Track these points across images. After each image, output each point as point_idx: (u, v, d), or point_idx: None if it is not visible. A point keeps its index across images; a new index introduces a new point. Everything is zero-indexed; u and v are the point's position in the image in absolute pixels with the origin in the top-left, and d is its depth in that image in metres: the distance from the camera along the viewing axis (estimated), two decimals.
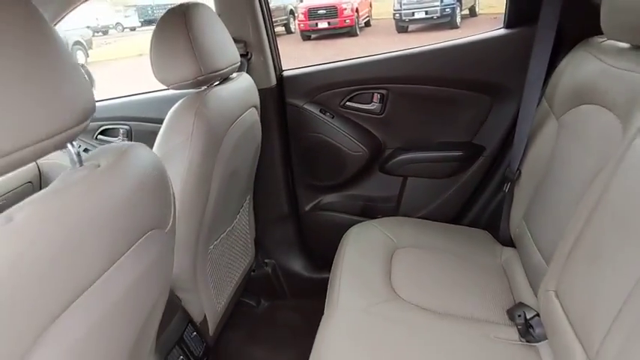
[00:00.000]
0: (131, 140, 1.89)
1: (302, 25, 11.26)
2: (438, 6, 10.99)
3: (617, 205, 0.91)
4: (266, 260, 1.85)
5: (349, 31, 11.85)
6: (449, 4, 11.00)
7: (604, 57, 1.17)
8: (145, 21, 14.99)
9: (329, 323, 1.17)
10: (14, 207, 0.49)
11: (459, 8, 11.04)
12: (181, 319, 1.14)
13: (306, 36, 11.06)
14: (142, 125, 1.82)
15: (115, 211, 0.59)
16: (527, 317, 1.17)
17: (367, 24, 13.25)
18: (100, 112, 1.70)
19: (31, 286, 0.46)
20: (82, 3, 1.56)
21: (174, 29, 1.11)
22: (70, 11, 1.55)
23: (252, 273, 1.76)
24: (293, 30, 12.08)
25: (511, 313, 1.22)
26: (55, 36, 0.54)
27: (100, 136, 1.90)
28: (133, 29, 15.00)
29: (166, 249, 0.73)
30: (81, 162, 0.60)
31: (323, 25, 11.29)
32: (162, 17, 1.14)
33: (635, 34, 1.04)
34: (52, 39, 0.54)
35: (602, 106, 1.11)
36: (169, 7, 1.17)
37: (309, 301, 1.49)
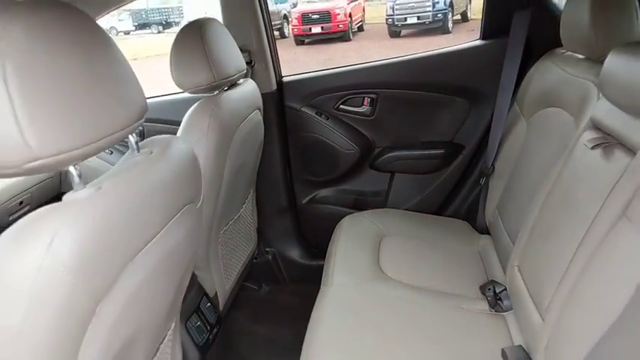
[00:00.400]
0: (143, 139, 2.05)
1: (296, 30, 11.21)
2: (430, 11, 11.05)
3: (566, 188, 1.10)
4: (267, 249, 2.02)
5: (342, 36, 11.89)
6: (441, 10, 11.08)
7: (564, 66, 1.36)
8: (138, 25, 15.06)
9: (324, 297, 1.35)
10: (99, 179, 0.67)
11: (450, 14, 11.13)
12: (197, 292, 1.31)
13: (299, 40, 11.03)
14: (154, 126, 1.98)
15: (164, 186, 0.76)
16: (497, 291, 1.35)
17: (360, 29, 13.32)
18: None
19: (114, 235, 0.63)
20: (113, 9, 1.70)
21: (192, 41, 1.28)
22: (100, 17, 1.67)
23: (254, 260, 1.92)
24: (287, 34, 12.14)
25: (483, 289, 1.39)
26: (116, 46, 0.71)
27: None
28: (127, 33, 15.08)
29: (196, 222, 0.90)
30: (138, 149, 0.78)
31: (316, 29, 11.23)
32: (181, 30, 1.31)
33: (586, 48, 1.23)
34: (116, 50, 0.71)
35: (561, 108, 1.30)
36: (163, 10, 1.34)
37: (306, 285, 1.64)
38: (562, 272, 0.99)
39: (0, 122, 0.54)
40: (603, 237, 0.89)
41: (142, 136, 2.04)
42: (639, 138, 0.88)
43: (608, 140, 0.97)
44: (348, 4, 12.28)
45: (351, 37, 12.22)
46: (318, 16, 11.45)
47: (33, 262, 0.53)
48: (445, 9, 11.08)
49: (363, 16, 13.77)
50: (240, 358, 1.65)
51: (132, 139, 0.76)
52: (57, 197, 1.89)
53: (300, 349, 1.17)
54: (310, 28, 11.29)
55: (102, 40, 0.68)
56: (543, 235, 1.15)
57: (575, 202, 1.04)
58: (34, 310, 0.52)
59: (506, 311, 1.31)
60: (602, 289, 0.86)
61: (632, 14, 1.12)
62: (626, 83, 0.90)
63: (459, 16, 11.52)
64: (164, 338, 0.97)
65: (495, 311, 1.32)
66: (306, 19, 11.37)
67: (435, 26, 10.88)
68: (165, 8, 14.17)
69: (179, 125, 1.31)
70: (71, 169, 0.63)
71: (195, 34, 1.28)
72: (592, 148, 0.99)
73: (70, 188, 1.81)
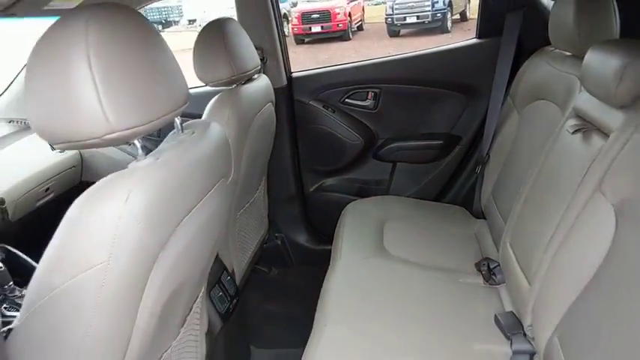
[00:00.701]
0: (160, 132, 2.18)
1: (295, 29, 11.28)
2: (429, 11, 11.12)
3: (551, 170, 1.23)
4: (276, 234, 2.15)
5: (342, 35, 11.96)
6: (440, 9, 11.15)
7: (552, 62, 1.50)
8: None
9: (333, 271, 1.48)
10: (154, 152, 0.80)
11: (449, 13, 11.22)
12: (219, 266, 1.44)
13: (299, 40, 11.07)
14: None
15: (204, 161, 0.89)
16: (491, 267, 1.48)
17: (360, 28, 13.39)
18: None
19: (170, 197, 0.76)
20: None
21: (214, 39, 1.40)
22: None
23: (264, 245, 2.05)
24: (287, 34, 12.23)
25: (478, 265, 1.53)
26: (164, 41, 0.84)
27: None
28: None
29: (226, 196, 1.03)
30: (182, 130, 0.91)
31: (316, 29, 11.26)
32: (203, 29, 1.43)
33: (571, 46, 1.36)
34: (165, 44, 0.83)
35: (549, 100, 1.44)
36: (162, 9, 1.45)
37: (313, 268, 1.76)
38: (546, 242, 1.13)
39: (87, 102, 0.67)
40: (581, 209, 1.02)
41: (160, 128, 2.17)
42: (612, 123, 1.01)
43: (586, 126, 1.11)
44: (348, 3, 12.35)
45: (351, 37, 12.28)
46: (318, 16, 11.45)
47: (114, 214, 0.66)
48: (444, 9, 11.12)
49: (363, 15, 13.84)
50: (255, 332, 1.78)
51: (177, 120, 0.89)
52: (78, 185, 2.02)
53: (310, 323, 1.28)
54: (310, 28, 11.33)
55: (155, 36, 0.81)
56: (531, 212, 1.29)
57: (558, 181, 1.17)
58: (115, 250, 0.66)
59: (499, 284, 1.44)
60: (579, 254, 1.00)
61: (611, 16, 1.26)
62: (601, 76, 1.03)
63: (457, 16, 11.54)
64: (196, 299, 1.11)
65: (489, 284, 1.45)
66: (306, 18, 11.42)
67: (434, 26, 10.92)
68: (164, 7, 14.28)
69: (196, 117, 1.44)
70: (136, 141, 0.76)
71: (216, 33, 1.41)
72: (573, 133, 1.13)
73: (91, 177, 2.00)
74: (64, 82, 0.67)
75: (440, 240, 1.69)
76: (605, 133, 1.03)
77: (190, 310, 1.09)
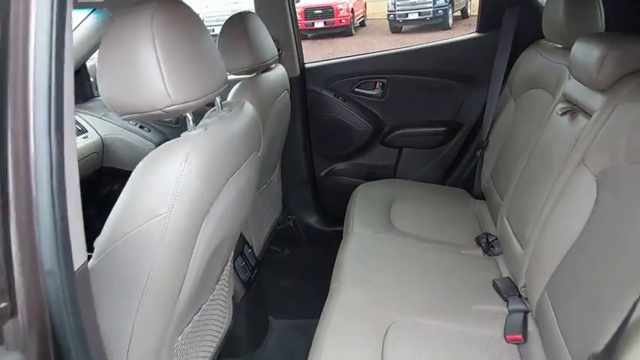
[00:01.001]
0: (179, 118, 2.32)
1: (299, 25, 11.40)
2: (430, 7, 11.21)
3: (542, 148, 1.38)
4: (289, 216, 2.28)
5: (344, 31, 12.04)
6: (441, 6, 11.24)
7: (546, 54, 1.63)
8: None
9: (346, 243, 1.63)
10: (201, 123, 0.94)
11: (451, 10, 11.33)
12: (241, 239, 1.58)
13: (302, 35, 11.20)
14: None
15: (241, 134, 1.03)
16: (489, 240, 1.63)
17: (362, 24, 13.47)
18: None
19: (217, 161, 0.90)
20: None
21: (236, 30, 1.53)
22: None
23: (278, 227, 2.19)
24: None
25: (478, 239, 1.68)
26: (207, 30, 0.98)
27: None
28: None
29: (257, 168, 1.17)
30: (222, 107, 1.05)
31: (319, 24, 11.34)
32: (227, 21, 1.56)
33: (561, 39, 1.50)
34: (208, 33, 0.97)
35: (543, 89, 1.58)
36: None
37: (323, 248, 1.87)
38: (537, 212, 1.27)
39: (152, 79, 0.81)
40: (567, 181, 1.17)
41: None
42: (594, 105, 1.16)
43: (573, 108, 1.25)
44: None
45: (353, 33, 12.35)
46: (320, 11, 11.51)
47: (175, 172, 0.81)
48: (445, 5, 11.19)
49: (365, 11, 13.91)
50: (272, 305, 1.92)
51: (218, 99, 1.03)
52: (99, 170, 2.15)
53: (323, 297, 1.39)
54: (313, 23, 11.41)
55: (201, 26, 0.95)
56: (525, 188, 1.43)
57: (548, 158, 1.32)
58: (176, 203, 0.80)
59: (497, 255, 1.59)
60: (565, 220, 1.14)
61: (596, 11, 1.39)
62: (585, 64, 1.17)
63: (459, 13, 11.62)
64: (227, 262, 1.25)
65: (488, 255, 1.60)
66: (309, 13, 11.49)
67: (436, 22, 11.00)
68: None
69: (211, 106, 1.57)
70: (188, 114, 0.90)
71: (239, 25, 1.54)
72: (561, 114, 1.27)
73: (112, 162, 2.15)
74: (133, 62, 0.81)
75: (443, 218, 1.84)
76: (588, 114, 1.18)
77: (222, 270, 1.23)
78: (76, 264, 0.63)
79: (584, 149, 1.13)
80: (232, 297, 1.40)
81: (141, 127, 2.29)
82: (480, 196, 1.96)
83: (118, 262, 0.82)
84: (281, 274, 2.13)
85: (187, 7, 0.91)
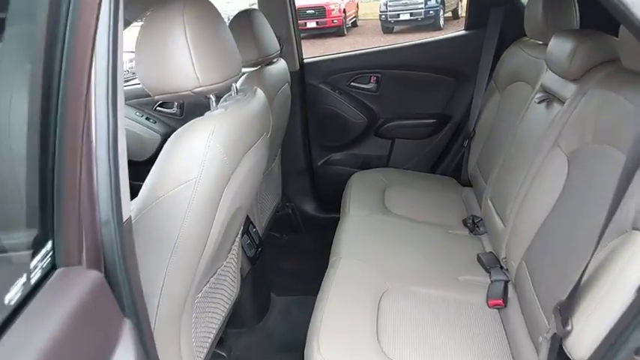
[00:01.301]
0: (183, 112, 2.44)
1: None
2: (422, 8, 11.35)
3: (522, 135, 1.52)
4: (287, 204, 2.41)
5: (337, 31, 12.14)
6: (433, 7, 11.38)
7: (528, 50, 1.78)
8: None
9: (343, 223, 1.76)
10: (221, 104, 1.07)
11: (442, 11, 11.51)
12: (247, 219, 1.71)
13: None
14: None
15: (255, 116, 1.16)
16: (475, 221, 1.77)
17: (354, 24, 13.57)
18: None
19: (237, 136, 1.03)
20: None
21: (243, 26, 1.66)
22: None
23: (277, 213, 2.31)
24: None
25: (464, 221, 1.82)
26: (225, 23, 1.10)
27: (158, 108, 2.44)
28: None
29: (266, 149, 1.30)
30: (237, 92, 1.18)
31: (311, 24, 11.39)
32: (234, 18, 1.69)
33: (540, 36, 1.65)
34: (226, 25, 1.10)
35: (524, 82, 1.72)
36: None
37: (320, 234, 1.99)
38: (517, 191, 1.41)
39: (183, 64, 0.93)
40: (542, 161, 1.31)
41: (181, 108, 2.43)
42: (567, 93, 1.30)
43: (549, 97, 1.39)
44: (342, 0, 12.57)
45: (346, 33, 12.47)
46: (313, 11, 11.56)
47: (204, 142, 0.93)
48: (437, 6, 11.31)
49: (357, 12, 14.02)
50: (273, 283, 2.04)
51: (234, 85, 1.16)
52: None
53: (322, 277, 1.47)
54: (305, 23, 11.43)
55: (221, 19, 1.07)
56: (506, 170, 1.57)
57: (526, 142, 1.46)
58: (204, 169, 0.92)
59: (482, 234, 1.73)
60: (540, 196, 1.28)
61: (572, 10, 1.54)
62: (559, 56, 1.32)
63: (450, 14, 11.74)
64: (237, 234, 1.38)
65: (474, 234, 1.74)
66: (301, 13, 11.54)
67: (427, 23, 11.12)
68: None
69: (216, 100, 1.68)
70: (211, 95, 1.03)
71: (245, 21, 1.66)
72: (539, 102, 1.41)
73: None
74: (167, 50, 0.93)
75: (432, 203, 1.97)
76: (561, 101, 1.32)
77: (234, 240, 1.36)
78: (124, 217, 0.76)
79: (558, 132, 1.27)
80: (240, 270, 1.53)
81: (147, 118, 2.41)
82: (468, 184, 2.10)
83: (152, 222, 0.94)
84: (281, 257, 2.25)
85: (211, 4, 1.04)
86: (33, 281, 0.52)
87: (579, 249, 1.02)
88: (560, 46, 1.32)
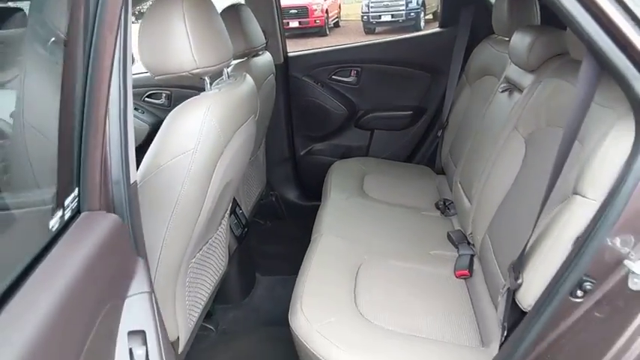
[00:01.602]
0: (171, 102, 2.53)
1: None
2: (403, 10, 11.55)
3: (487, 122, 1.66)
4: (271, 192, 2.52)
5: (319, 31, 12.24)
6: (414, 9, 11.58)
7: (496, 46, 1.93)
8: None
9: (325, 205, 1.88)
10: (215, 86, 1.18)
11: (422, 13, 11.74)
12: (234, 201, 1.82)
13: None
14: (180, 91, 2.46)
15: (244, 97, 1.27)
16: (446, 204, 1.91)
17: (336, 25, 13.69)
18: (146, 80, 2.31)
19: (230, 113, 1.14)
20: None
21: (232, 19, 1.75)
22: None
23: (261, 201, 2.42)
24: None
25: (437, 204, 1.96)
26: (218, 13, 1.21)
27: (146, 99, 2.52)
28: None
29: (253, 130, 1.41)
30: (229, 76, 1.29)
31: (294, 24, 11.47)
32: (223, 11, 1.79)
33: (506, 33, 1.79)
34: (217, 12, 1.20)
35: (492, 75, 1.86)
36: None
37: (301, 220, 2.07)
38: (481, 172, 1.55)
39: (183, 48, 1.04)
40: (503, 144, 1.45)
41: (169, 99, 2.52)
42: (525, 82, 1.44)
43: (510, 87, 1.54)
44: (325, 0, 12.69)
45: (328, 33, 12.60)
46: (296, 11, 11.63)
47: (200, 117, 1.04)
48: (418, 8, 11.52)
49: (339, 12, 14.15)
50: (257, 266, 2.15)
51: (226, 70, 1.27)
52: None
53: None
54: (288, 22, 11.49)
55: (215, 9, 1.18)
56: (473, 155, 1.72)
57: (491, 128, 1.60)
58: (201, 141, 1.03)
59: (452, 216, 1.87)
60: (501, 175, 1.42)
61: (533, 8, 1.68)
62: (519, 50, 1.46)
63: (430, 16, 11.92)
64: (227, 209, 1.49)
65: (445, 216, 1.88)
66: (284, 13, 11.56)
67: (408, 24, 11.29)
68: None
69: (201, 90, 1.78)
70: (206, 77, 1.14)
71: (234, 14, 1.77)
72: (502, 92, 1.56)
73: None
74: (168, 34, 1.04)
75: (408, 189, 2.11)
76: (521, 90, 1.46)
77: (223, 217, 1.47)
78: (131, 180, 0.86)
79: (517, 118, 1.41)
80: (228, 247, 1.63)
81: (135, 108, 2.49)
82: (441, 172, 2.24)
83: (154, 188, 1.04)
84: (265, 242, 2.36)
85: None
86: (66, 217, 0.62)
87: (531, 217, 1.16)
88: (520, 41, 1.46)
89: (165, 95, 2.50)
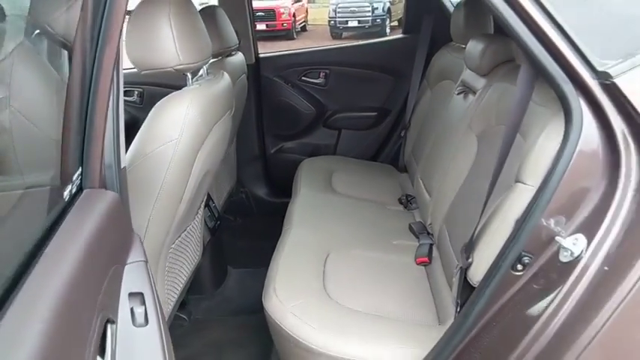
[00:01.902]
0: (143, 100, 2.57)
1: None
2: (369, 16, 11.81)
3: (445, 121, 1.81)
4: (241, 189, 2.60)
5: (286, 35, 12.37)
6: (379, 15, 11.87)
7: (454, 53, 2.08)
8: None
9: (295, 200, 1.98)
10: (196, 82, 1.26)
11: (388, 20, 12.05)
12: (207, 195, 1.89)
13: None
14: (152, 89, 2.50)
15: (222, 93, 1.36)
16: (409, 199, 2.05)
17: (303, 29, 13.81)
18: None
19: (209, 108, 1.22)
20: None
21: (207, 20, 1.82)
22: None
23: (231, 198, 2.49)
24: None
25: (400, 199, 2.09)
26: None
27: None
28: None
29: (229, 125, 1.50)
30: (207, 73, 1.37)
31: (261, 26, 11.46)
32: (200, 12, 1.87)
33: (462, 40, 1.94)
34: (197, 12, 1.29)
35: (450, 80, 2.01)
36: None
37: (271, 217, 2.19)
38: (440, 167, 1.69)
39: (168, 45, 1.12)
40: (459, 141, 1.59)
41: (141, 96, 2.57)
42: (478, 86, 1.59)
43: (465, 89, 1.68)
44: (292, 4, 12.80)
45: (295, 37, 12.72)
46: (263, 14, 11.67)
47: (183, 110, 1.12)
48: (383, 15, 11.80)
49: (307, 16, 14.29)
50: (229, 259, 2.23)
51: (205, 67, 1.35)
52: None
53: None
54: (255, 25, 11.70)
55: (196, 10, 1.27)
56: (433, 153, 1.86)
57: (448, 128, 1.75)
58: (184, 132, 1.11)
59: (414, 209, 2.00)
60: (457, 169, 1.56)
61: (487, 18, 1.84)
62: (473, 56, 1.61)
63: (396, 23, 12.20)
64: (204, 199, 1.57)
65: (407, 210, 2.01)
66: None
67: (374, 30, 11.54)
68: None
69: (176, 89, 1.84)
70: (188, 73, 1.22)
71: (209, 15, 1.85)
72: (457, 94, 1.70)
73: None
74: (154, 32, 1.12)
75: (373, 185, 2.24)
76: (474, 93, 1.61)
77: (200, 206, 1.55)
78: (122, 164, 0.94)
79: (470, 117, 1.56)
80: (202, 239, 1.71)
81: None
82: (404, 170, 2.38)
83: (140, 174, 1.12)
84: (236, 237, 2.44)
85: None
86: (73, 191, 0.71)
87: (482, 206, 1.30)
88: (474, 48, 1.61)
89: (137, 93, 2.54)
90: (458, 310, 1.21)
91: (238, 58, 2.11)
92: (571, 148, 0.92)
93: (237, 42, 2.05)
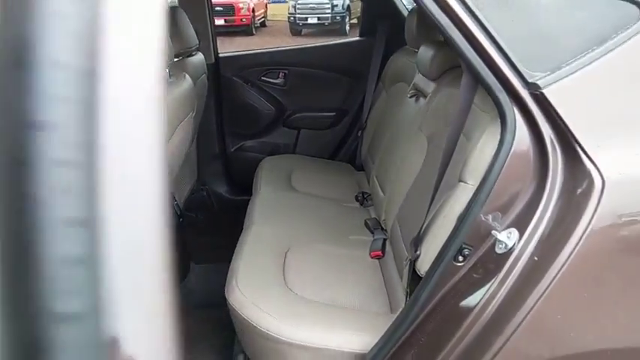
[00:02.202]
0: None
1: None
2: (329, 13, 11.92)
3: (398, 124, 1.91)
4: (202, 187, 2.63)
5: (245, 30, 12.27)
6: (339, 13, 12.00)
7: (407, 57, 2.18)
8: None
9: (255, 199, 2.03)
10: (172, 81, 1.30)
11: (348, 17, 12.18)
12: (171, 195, 1.92)
13: None
14: None
15: (185, 95, 1.40)
16: (365, 196, 2.14)
17: (263, 24, 13.75)
18: None
19: (172, 112, 1.27)
20: None
21: (170, 22, 1.87)
22: None
23: (192, 195, 2.51)
24: None
25: (356, 197, 2.18)
26: None
27: None
28: None
29: (192, 125, 1.53)
30: (170, 76, 1.41)
31: (219, 22, 11.29)
32: None
33: (415, 45, 2.04)
34: None
35: (404, 82, 2.12)
36: None
37: (232, 214, 2.20)
38: (393, 167, 1.79)
39: None
40: (410, 143, 1.69)
41: None
42: (428, 90, 1.70)
43: (417, 93, 1.79)
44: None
45: (254, 32, 12.65)
46: (221, 9, 11.53)
47: None
48: (343, 12, 11.93)
49: (266, 12, 14.23)
50: (191, 255, 2.26)
51: (167, 69, 1.39)
52: None
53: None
54: (214, 21, 11.54)
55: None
56: (387, 154, 1.96)
57: (401, 129, 1.85)
58: None
59: (370, 206, 2.10)
60: (407, 168, 1.66)
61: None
62: (424, 61, 1.71)
63: (355, 20, 12.36)
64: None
65: (363, 206, 2.11)
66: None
67: (334, 28, 11.67)
68: None
69: None
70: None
71: (171, 17, 1.87)
72: (410, 97, 1.80)
73: None
74: None
75: (331, 183, 2.32)
76: (425, 96, 1.72)
77: None
78: None
79: (421, 120, 1.66)
80: None
81: None
82: (361, 168, 2.48)
83: None
84: (197, 234, 2.46)
85: None
86: None
87: (428, 200, 1.40)
88: (425, 53, 1.72)
89: None
90: (407, 299, 1.31)
91: (198, 58, 2.14)
92: (506, 151, 1.02)
93: (198, 42, 2.08)
